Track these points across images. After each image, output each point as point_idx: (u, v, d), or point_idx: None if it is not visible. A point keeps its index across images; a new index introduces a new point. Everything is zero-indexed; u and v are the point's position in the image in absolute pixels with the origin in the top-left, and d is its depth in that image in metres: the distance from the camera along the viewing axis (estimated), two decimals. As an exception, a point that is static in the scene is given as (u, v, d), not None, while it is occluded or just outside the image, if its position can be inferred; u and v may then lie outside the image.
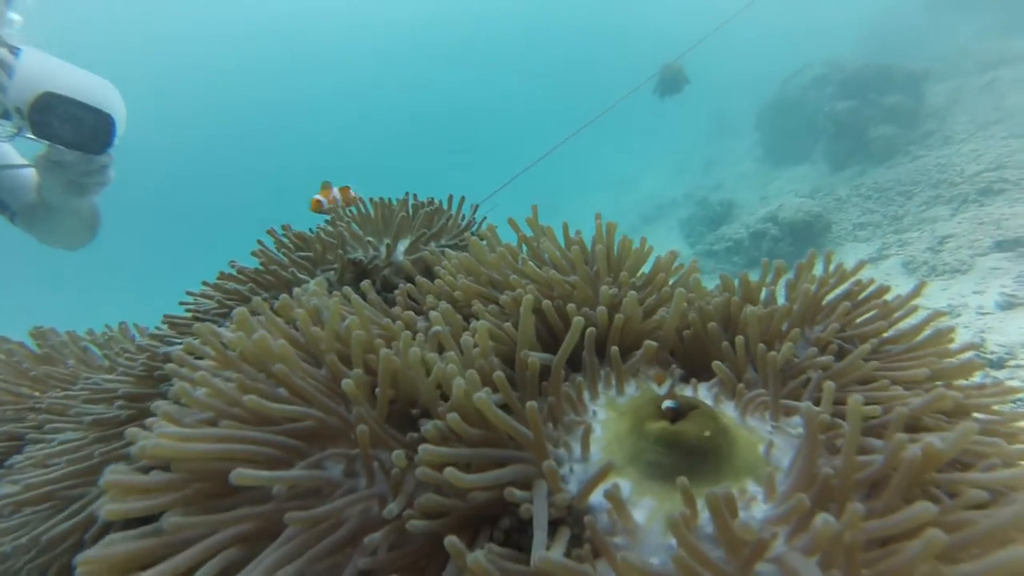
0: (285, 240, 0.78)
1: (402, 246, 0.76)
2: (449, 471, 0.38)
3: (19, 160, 1.50)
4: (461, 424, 0.43)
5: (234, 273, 0.75)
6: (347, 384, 0.44)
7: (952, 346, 0.57)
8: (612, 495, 0.39)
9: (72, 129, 1.24)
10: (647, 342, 0.56)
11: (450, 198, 0.88)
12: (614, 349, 0.54)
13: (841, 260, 0.68)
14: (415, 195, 0.88)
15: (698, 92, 6.78)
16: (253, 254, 0.74)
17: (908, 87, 6.59)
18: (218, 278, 0.76)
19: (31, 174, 1.54)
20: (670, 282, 0.69)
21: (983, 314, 2.92)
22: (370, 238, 0.76)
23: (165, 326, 0.72)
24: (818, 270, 0.65)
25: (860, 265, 0.67)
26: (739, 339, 0.56)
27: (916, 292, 0.60)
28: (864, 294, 0.64)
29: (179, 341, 0.67)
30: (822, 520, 0.33)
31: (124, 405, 0.63)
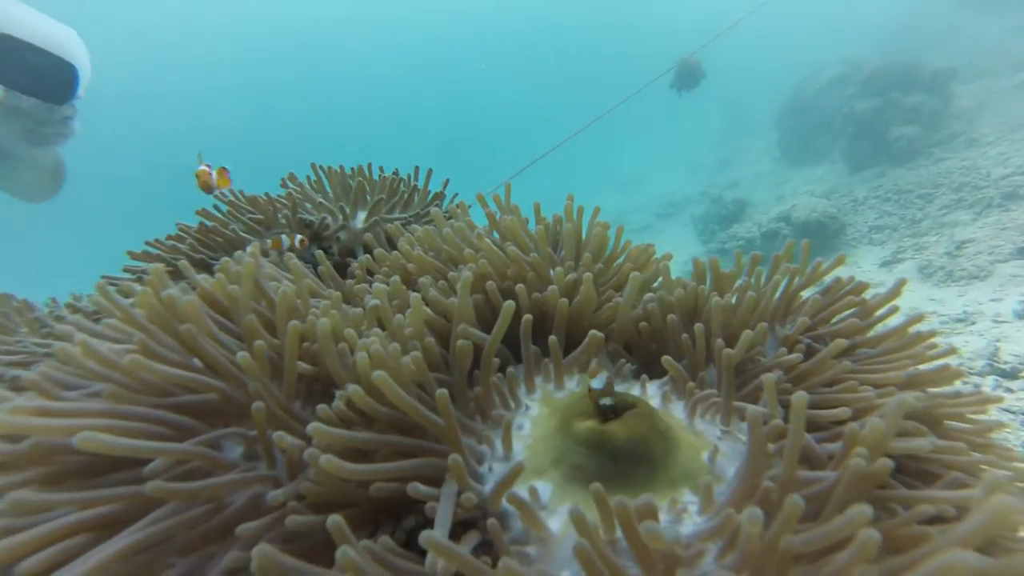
0: (237, 201, 0.75)
1: (362, 214, 0.73)
2: (326, 459, 0.34)
3: None
4: (367, 401, 0.39)
5: (178, 233, 0.72)
6: (243, 356, 0.40)
7: (933, 351, 0.51)
8: (517, 500, 0.35)
9: (29, 76, 1.19)
10: (592, 332, 0.51)
11: (416, 170, 0.84)
12: (552, 339, 0.49)
13: (854, 262, 0.63)
14: (380, 167, 0.84)
15: (714, 89, 6.66)
16: (197, 213, 0.70)
17: (933, 87, 6.39)
18: (164, 238, 0.73)
19: None
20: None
21: (999, 322, 2.80)
22: (322, 201, 0.72)
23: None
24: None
25: (839, 259, 0.62)
26: (699, 330, 0.51)
27: (896, 291, 0.55)
28: (841, 291, 0.59)
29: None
30: (748, 517, 0.28)
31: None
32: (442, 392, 0.39)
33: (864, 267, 4.17)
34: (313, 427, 0.36)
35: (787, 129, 9.20)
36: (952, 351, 0.49)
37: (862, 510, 0.27)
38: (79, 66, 1.23)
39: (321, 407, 0.39)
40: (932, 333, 0.50)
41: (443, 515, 0.37)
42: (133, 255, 0.72)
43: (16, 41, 1.14)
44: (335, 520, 0.33)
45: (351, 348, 0.44)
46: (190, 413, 0.41)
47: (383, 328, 0.49)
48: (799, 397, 0.32)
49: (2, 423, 0.32)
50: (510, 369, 0.49)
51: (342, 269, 0.71)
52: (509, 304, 0.46)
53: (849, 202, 5.80)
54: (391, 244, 0.73)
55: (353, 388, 0.38)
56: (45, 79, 1.20)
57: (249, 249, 0.55)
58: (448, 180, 0.88)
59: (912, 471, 0.43)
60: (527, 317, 0.49)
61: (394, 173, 0.84)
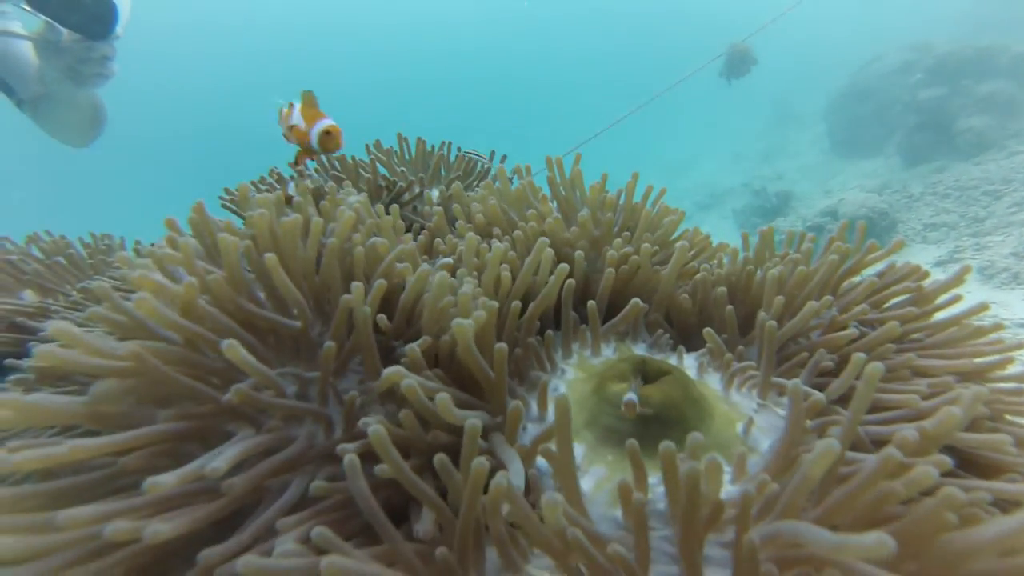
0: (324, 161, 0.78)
1: (436, 190, 0.74)
2: (441, 398, 0.35)
3: (20, 31, 1.39)
4: (467, 341, 0.38)
5: (270, 179, 0.76)
6: (347, 298, 0.40)
7: (994, 345, 0.49)
8: (550, 455, 0.35)
9: (68, 7, 1.19)
10: (634, 300, 0.50)
11: (492, 153, 0.86)
12: (592, 304, 0.49)
13: (905, 261, 0.59)
14: (459, 146, 0.86)
15: (762, 77, 6.39)
16: (290, 165, 0.73)
17: (1013, 72, 5.89)
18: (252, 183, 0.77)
19: (31, 59, 1.46)
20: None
21: (1066, 330, 2.62)
22: (403, 169, 0.74)
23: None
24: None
25: (897, 243, 0.59)
26: (729, 311, 0.50)
27: (958, 278, 0.52)
28: (898, 276, 0.56)
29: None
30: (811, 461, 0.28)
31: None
32: (501, 346, 0.39)
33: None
34: (394, 370, 0.37)
35: (838, 120, 8.74)
36: (1020, 346, 0.46)
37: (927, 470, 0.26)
38: (119, 3, 1.24)
39: (411, 346, 0.40)
40: (998, 326, 0.47)
41: (507, 455, 0.37)
42: (228, 191, 0.75)
43: None
44: (441, 459, 0.34)
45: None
46: (267, 345, 0.43)
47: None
48: (874, 368, 0.31)
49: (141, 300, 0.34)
50: (548, 333, 0.49)
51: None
52: (563, 267, 0.46)
53: (903, 198, 5.49)
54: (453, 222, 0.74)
55: (458, 325, 0.38)
56: (84, 13, 1.21)
57: (353, 200, 0.56)
58: (505, 157, 0.89)
59: (967, 465, 0.41)
60: (570, 282, 0.49)
61: (471, 152, 0.86)
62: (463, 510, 0.32)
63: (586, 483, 0.39)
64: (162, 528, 0.29)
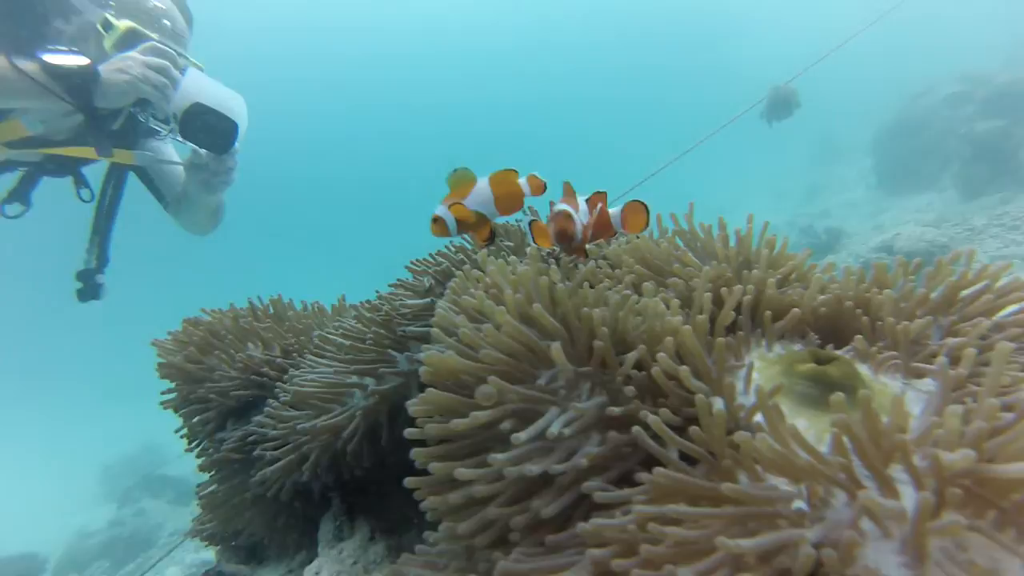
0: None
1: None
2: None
3: (175, 159, 1.86)
4: (693, 346, 0.59)
5: (447, 252, 0.98)
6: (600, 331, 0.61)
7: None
8: (770, 410, 0.53)
9: (204, 132, 1.53)
10: (794, 310, 0.68)
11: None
12: (767, 313, 0.68)
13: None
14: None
15: (802, 114, 6.51)
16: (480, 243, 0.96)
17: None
18: (430, 255, 1.00)
19: (180, 171, 1.88)
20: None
21: None
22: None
23: (396, 288, 0.97)
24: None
25: (1005, 266, 0.74)
26: (874, 314, 0.67)
27: None
28: (1010, 288, 0.71)
29: (412, 299, 0.90)
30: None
31: (372, 340, 0.86)
32: (720, 340, 0.58)
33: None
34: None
35: (885, 155, 8.66)
36: None
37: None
38: (240, 123, 1.58)
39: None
40: None
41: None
42: (413, 265, 0.98)
43: (202, 106, 1.50)
44: (656, 420, 0.53)
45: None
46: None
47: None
48: (1004, 345, 0.48)
49: (507, 324, 0.56)
50: (730, 338, 0.68)
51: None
52: (738, 288, 0.65)
53: (964, 231, 5.40)
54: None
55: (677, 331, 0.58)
56: (214, 134, 1.55)
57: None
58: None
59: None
60: (747, 297, 0.68)
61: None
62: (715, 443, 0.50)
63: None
64: (532, 468, 0.49)
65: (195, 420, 1.07)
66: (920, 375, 0.62)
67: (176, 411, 1.14)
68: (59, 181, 1.84)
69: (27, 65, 1.26)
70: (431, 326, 0.88)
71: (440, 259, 0.98)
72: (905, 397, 0.59)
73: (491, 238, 0.76)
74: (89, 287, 1.89)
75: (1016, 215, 5.08)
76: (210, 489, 1.10)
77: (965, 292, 0.70)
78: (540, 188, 0.77)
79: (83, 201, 1.87)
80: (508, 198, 0.74)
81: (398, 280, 1.00)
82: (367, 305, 0.96)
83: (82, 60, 1.32)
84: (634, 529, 0.45)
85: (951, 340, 0.64)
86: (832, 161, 11.49)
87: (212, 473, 1.09)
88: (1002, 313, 0.71)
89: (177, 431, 1.15)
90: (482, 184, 0.74)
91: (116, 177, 1.91)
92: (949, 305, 0.71)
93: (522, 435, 0.53)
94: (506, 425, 0.53)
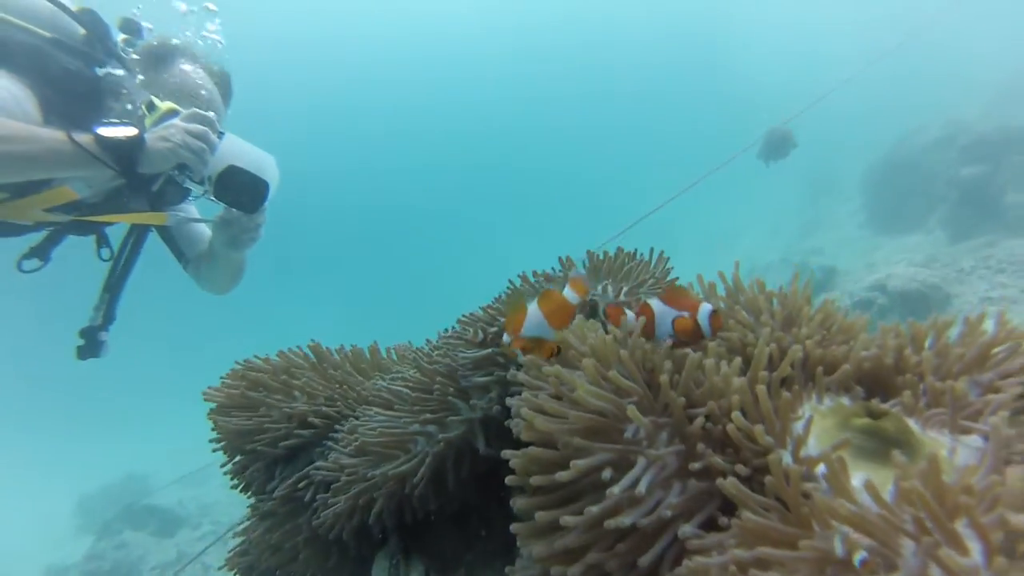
0: (533, 279, 1.07)
1: (625, 288, 1.01)
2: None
3: (198, 216, 1.92)
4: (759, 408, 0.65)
5: (495, 305, 1.05)
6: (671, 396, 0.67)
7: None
8: (832, 461, 0.58)
9: (237, 192, 1.60)
10: (844, 367, 0.75)
11: (651, 251, 1.13)
12: (819, 369, 0.74)
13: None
14: (621, 249, 1.14)
15: (797, 152, 6.76)
16: (515, 286, 1.02)
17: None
18: (481, 308, 1.06)
19: (204, 229, 1.96)
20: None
21: None
22: (604, 281, 1.02)
23: (446, 343, 1.02)
24: (988, 327, 0.80)
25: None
26: (915, 372, 0.74)
27: None
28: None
29: (469, 350, 0.95)
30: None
31: (439, 390, 0.91)
32: (786, 395, 0.64)
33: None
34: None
35: (876, 194, 8.93)
36: None
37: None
38: (271, 182, 1.66)
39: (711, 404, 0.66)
40: None
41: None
42: (465, 317, 1.05)
43: (237, 168, 1.58)
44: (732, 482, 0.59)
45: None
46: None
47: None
48: None
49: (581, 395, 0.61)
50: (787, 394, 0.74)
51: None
52: (796, 348, 0.72)
53: (954, 272, 5.56)
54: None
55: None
56: (247, 193, 1.62)
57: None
58: (668, 257, 1.17)
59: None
60: (799, 356, 0.75)
61: (631, 254, 1.14)
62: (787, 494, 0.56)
63: (855, 482, 0.61)
64: (625, 520, 0.54)
65: (248, 472, 1.11)
66: (967, 431, 0.68)
67: (226, 459, 1.18)
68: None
69: (83, 138, 1.35)
70: (491, 375, 0.94)
71: (490, 312, 1.04)
72: (958, 453, 0.65)
73: (556, 352, 0.79)
74: (90, 344, 1.87)
75: (1001, 258, 5.25)
76: (259, 532, 1.13)
77: (997, 350, 0.77)
78: (584, 290, 0.82)
79: (102, 260, 1.90)
80: (559, 312, 0.79)
81: (451, 330, 1.06)
82: (424, 356, 1.02)
83: (131, 131, 1.41)
84: (735, 571, 0.50)
85: (993, 397, 0.70)
86: (824, 198, 11.79)
87: (262, 518, 1.12)
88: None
89: (230, 479, 1.18)
90: (533, 310, 0.79)
91: (137, 236, 1.95)
92: (984, 362, 0.77)
93: (615, 488, 0.58)
94: (606, 473, 0.58)
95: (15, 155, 1.26)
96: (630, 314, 0.81)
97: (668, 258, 1.12)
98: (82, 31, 1.54)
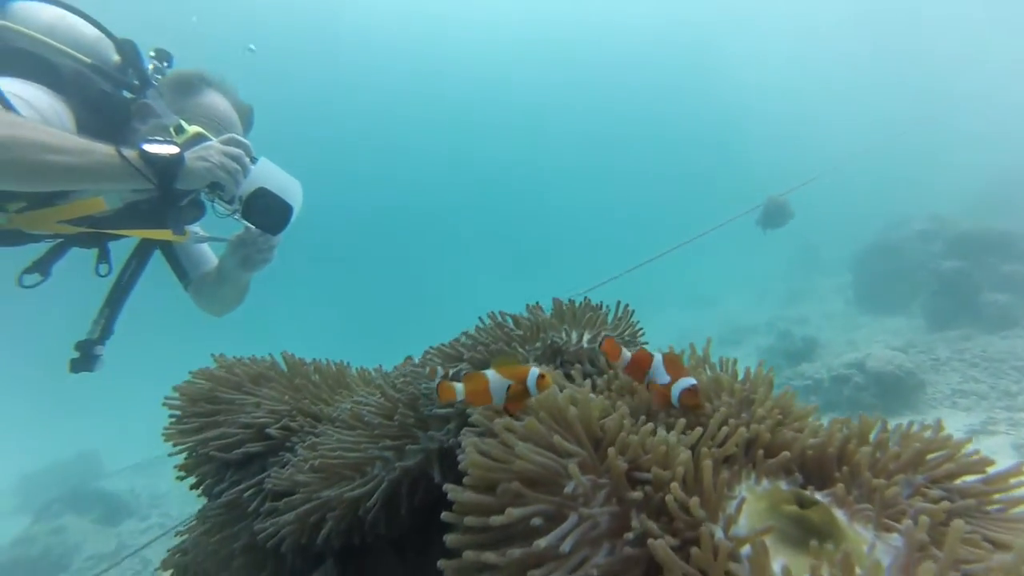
0: (505, 321, 1.10)
1: (587, 336, 1.05)
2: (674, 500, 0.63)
3: (214, 235, 1.95)
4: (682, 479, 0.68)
5: (463, 341, 1.07)
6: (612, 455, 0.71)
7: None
8: (758, 545, 0.61)
9: (264, 215, 1.66)
10: (783, 453, 0.78)
11: (618, 303, 1.17)
12: (760, 452, 0.77)
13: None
14: (588, 300, 1.18)
15: (791, 223, 6.95)
16: (484, 324, 1.05)
17: (1027, 257, 6.36)
18: (449, 343, 1.09)
19: (209, 252, 1.99)
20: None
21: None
22: (566, 327, 1.06)
23: (412, 371, 1.05)
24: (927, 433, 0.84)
25: (968, 440, 0.85)
26: (853, 465, 0.77)
27: (1018, 470, 0.78)
28: (968, 461, 0.82)
29: (429, 383, 0.98)
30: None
31: (399, 419, 0.93)
32: (723, 476, 0.67)
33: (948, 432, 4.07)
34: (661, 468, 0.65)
35: (863, 273, 9.16)
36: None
37: None
38: (295, 207, 1.72)
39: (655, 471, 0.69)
40: None
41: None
42: (432, 353, 1.07)
43: (266, 191, 1.65)
44: (660, 544, 0.61)
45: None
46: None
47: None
48: (959, 523, 0.58)
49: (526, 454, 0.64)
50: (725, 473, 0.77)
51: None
52: (741, 431, 0.75)
53: (929, 360, 5.69)
54: (592, 360, 1.04)
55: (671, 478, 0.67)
56: (272, 216, 1.68)
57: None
58: (632, 310, 1.21)
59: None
60: (744, 438, 0.78)
61: (598, 305, 1.18)
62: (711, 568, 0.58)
63: (775, 567, 0.64)
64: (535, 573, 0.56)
65: (198, 470, 1.11)
66: (889, 530, 0.71)
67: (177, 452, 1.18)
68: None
69: (129, 153, 1.41)
70: (452, 407, 0.96)
71: (456, 347, 1.07)
72: (876, 549, 0.68)
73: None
74: (85, 358, 1.87)
75: (976, 353, 5.37)
76: (198, 533, 1.12)
77: (931, 456, 0.81)
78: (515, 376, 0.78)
79: (99, 276, 1.91)
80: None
81: (420, 361, 1.09)
82: (390, 382, 1.04)
83: (173, 149, 1.48)
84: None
85: (918, 503, 0.74)
86: (814, 270, 12.04)
87: (204, 519, 1.11)
88: (963, 480, 0.81)
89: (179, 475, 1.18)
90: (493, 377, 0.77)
91: (143, 253, 1.98)
92: (918, 464, 0.81)
93: (542, 542, 0.60)
94: (536, 521, 0.60)
95: (71, 166, 1.32)
96: (626, 352, 0.86)
97: (633, 311, 1.16)
98: (117, 58, 1.66)
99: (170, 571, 1.21)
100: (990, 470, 0.79)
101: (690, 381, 0.82)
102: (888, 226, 9.02)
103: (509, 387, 0.77)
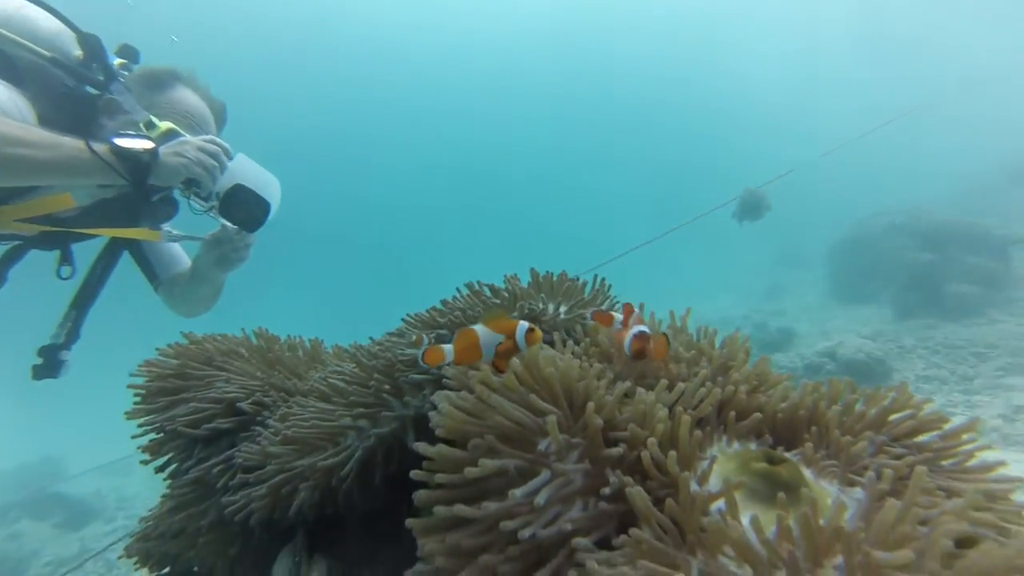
0: (482, 290, 1.09)
1: (563, 308, 1.05)
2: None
3: (188, 233, 1.87)
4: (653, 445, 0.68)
5: (441, 308, 1.06)
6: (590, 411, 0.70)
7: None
8: (731, 500, 0.62)
9: (241, 210, 1.62)
10: (755, 415, 0.79)
11: (595, 277, 1.17)
12: (731, 414, 0.78)
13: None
14: (564, 273, 1.18)
15: (771, 216, 7.07)
16: (462, 294, 1.04)
17: (995, 250, 6.59)
18: (427, 310, 1.07)
19: (181, 252, 1.93)
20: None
21: (1055, 494, 2.81)
22: (543, 296, 1.05)
23: (389, 340, 1.03)
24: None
25: (927, 400, 0.88)
26: (822, 426, 0.79)
27: (971, 426, 0.80)
28: (927, 418, 0.84)
29: (410, 349, 0.96)
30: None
31: (374, 386, 0.92)
32: (697, 434, 0.68)
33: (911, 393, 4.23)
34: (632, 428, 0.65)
35: (838, 266, 9.41)
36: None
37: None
38: (273, 205, 1.68)
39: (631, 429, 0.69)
40: (1003, 463, 0.75)
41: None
42: (409, 317, 1.06)
43: (243, 188, 1.61)
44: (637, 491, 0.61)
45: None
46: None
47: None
48: (921, 469, 0.59)
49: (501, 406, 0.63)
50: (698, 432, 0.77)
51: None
52: (716, 391, 0.76)
53: (896, 348, 5.87)
54: (569, 331, 1.04)
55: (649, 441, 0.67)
56: (249, 213, 1.64)
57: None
58: (609, 284, 1.21)
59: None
60: (716, 398, 0.79)
61: (576, 278, 1.18)
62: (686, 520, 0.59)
63: (744, 520, 0.64)
64: (524, 533, 0.56)
65: (164, 448, 1.08)
66: (853, 484, 0.73)
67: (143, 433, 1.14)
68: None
69: (99, 147, 1.36)
70: (428, 374, 0.95)
71: (433, 315, 1.06)
72: (840, 502, 0.69)
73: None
74: (49, 364, 1.78)
75: (939, 341, 5.57)
76: (162, 513, 1.09)
77: (894, 416, 0.83)
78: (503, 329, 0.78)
79: (61, 279, 1.82)
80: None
81: (396, 330, 1.07)
82: (364, 351, 1.02)
83: (148, 144, 1.43)
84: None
85: (880, 459, 0.76)
86: (792, 264, 12.28)
87: (169, 499, 1.08)
88: (923, 437, 0.84)
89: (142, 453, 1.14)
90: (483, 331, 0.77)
91: (112, 254, 1.91)
92: (881, 425, 0.83)
93: (517, 492, 0.60)
94: (511, 470, 0.60)
95: (37, 160, 1.26)
96: (618, 316, 0.89)
97: (610, 285, 1.17)
98: (79, 52, 1.56)
99: (134, 559, 1.17)
100: (946, 427, 0.81)
101: (641, 328, 0.82)
102: (862, 220, 9.24)
103: (499, 344, 0.76)
